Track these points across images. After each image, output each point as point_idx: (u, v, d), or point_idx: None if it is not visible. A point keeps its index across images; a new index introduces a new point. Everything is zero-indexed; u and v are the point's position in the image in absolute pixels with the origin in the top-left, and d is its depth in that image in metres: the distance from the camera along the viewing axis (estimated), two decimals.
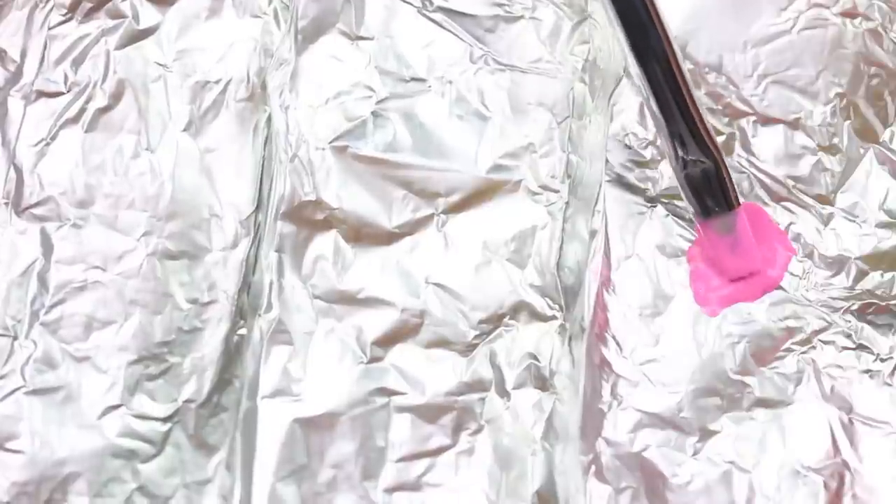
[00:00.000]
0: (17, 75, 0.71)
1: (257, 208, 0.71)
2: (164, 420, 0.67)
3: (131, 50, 0.73)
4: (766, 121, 0.75)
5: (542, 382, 0.70)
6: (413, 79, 0.74)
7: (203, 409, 0.68)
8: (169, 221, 0.71)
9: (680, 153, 0.64)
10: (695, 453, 0.69)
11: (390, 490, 0.67)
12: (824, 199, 0.74)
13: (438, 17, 0.75)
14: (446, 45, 0.75)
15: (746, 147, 0.74)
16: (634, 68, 0.61)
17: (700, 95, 0.75)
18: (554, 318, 0.71)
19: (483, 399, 0.69)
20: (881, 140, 0.75)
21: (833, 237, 0.73)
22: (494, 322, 0.71)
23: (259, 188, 0.71)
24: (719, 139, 0.74)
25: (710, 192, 0.66)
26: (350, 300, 0.70)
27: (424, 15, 0.75)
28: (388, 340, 0.70)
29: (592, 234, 0.71)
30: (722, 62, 0.76)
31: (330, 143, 0.72)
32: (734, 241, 0.70)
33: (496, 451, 0.68)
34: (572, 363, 0.70)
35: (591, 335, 0.70)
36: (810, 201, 0.74)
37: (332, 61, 0.74)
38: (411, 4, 0.75)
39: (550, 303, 0.71)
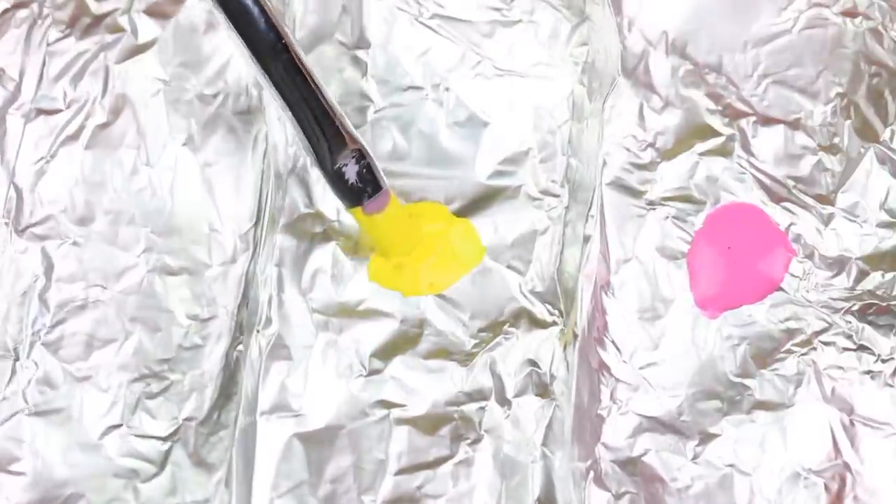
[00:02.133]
0: (15, 94, 0.71)
1: (256, 222, 0.71)
2: (165, 439, 0.67)
3: (130, 65, 0.72)
4: (767, 121, 0.75)
5: (544, 389, 0.70)
6: (410, 87, 0.74)
7: (203, 426, 0.68)
8: (169, 237, 0.71)
9: (332, 151, 0.66)
10: (695, 457, 0.70)
11: (389, 503, 0.68)
12: (825, 200, 0.74)
13: (435, 23, 0.75)
14: (443, 51, 0.74)
15: (746, 147, 0.74)
16: (258, 72, 0.64)
17: (700, 95, 0.75)
18: (554, 323, 0.71)
19: (483, 408, 0.70)
20: (881, 139, 0.75)
21: (833, 237, 0.73)
22: (494, 330, 0.71)
23: (259, 202, 0.72)
24: (719, 140, 0.74)
25: (362, 178, 0.67)
26: (349, 313, 0.70)
27: (421, 22, 0.74)
28: (388, 352, 0.70)
29: (587, 239, 0.71)
30: (722, 62, 0.76)
31: None
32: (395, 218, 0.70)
33: (496, 460, 0.69)
34: (567, 368, 0.70)
35: (590, 339, 0.71)
36: (811, 201, 0.74)
37: (329, 72, 0.74)
38: (407, 12, 0.74)
39: (550, 308, 0.72)
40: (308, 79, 0.64)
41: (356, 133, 0.67)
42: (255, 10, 0.63)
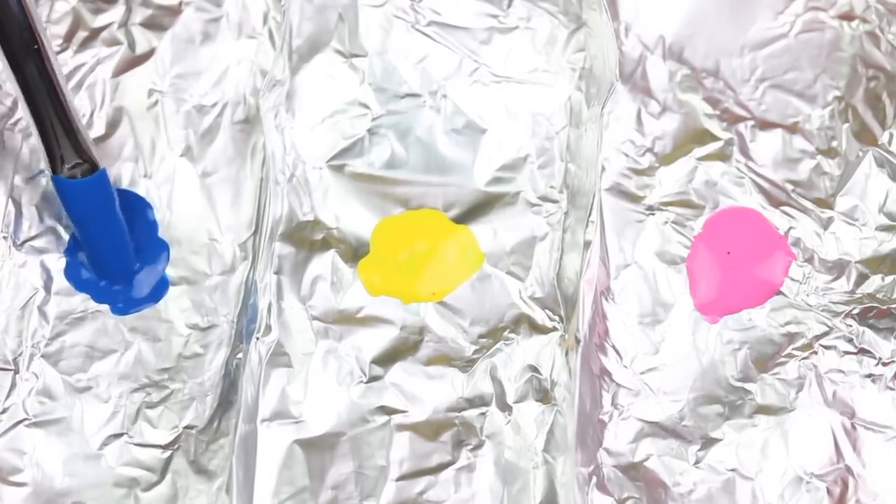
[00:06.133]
0: (13, 109, 0.71)
1: (255, 231, 0.71)
2: (165, 447, 0.67)
3: (127, 77, 0.73)
4: (765, 125, 0.75)
5: (544, 395, 0.70)
6: (408, 94, 0.74)
7: (203, 434, 0.68)
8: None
9: (63, 159, 0.65)
10: (697, 462, 0.70)
11: None
12: (824, 203, 0.74)
13: (431, 31, 0.75)
14: (440, 59, 0.75)
15: (745, 152, 0.74)
16: (6, 71, 0.62)
17: (698, 100, 0.75)
18: (554, 329, 0.71)
19: (484, 414, 0.69)
20: (880, 142, 0.75)
21: (833, 241, 0.73)
22: (494, 336, 0.71)
23: (258, 210, 0.72)
24: (717, 145, 0.74)
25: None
26: (349, 320, 0.70)
27: (417, 30, 0.75)
28: (388, 359, 0.70)
29: (586, 244, 0.71)
30: (719, 67, 0.76)
31: (327, 162, 0.73)
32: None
33: (497, 466, 0.69)
34: (570, 374, 0.70)
35: (591, 345, 0.71)
36: (809, 205, 0.74)
37: (327, 80, 0.74)
38: (404, 20, 0.75)
39: (550, 314, 0.71)
40: (57, 86, 0.63)
41: (93, 148, 0.66)
42: (15, 8, 0.60)
